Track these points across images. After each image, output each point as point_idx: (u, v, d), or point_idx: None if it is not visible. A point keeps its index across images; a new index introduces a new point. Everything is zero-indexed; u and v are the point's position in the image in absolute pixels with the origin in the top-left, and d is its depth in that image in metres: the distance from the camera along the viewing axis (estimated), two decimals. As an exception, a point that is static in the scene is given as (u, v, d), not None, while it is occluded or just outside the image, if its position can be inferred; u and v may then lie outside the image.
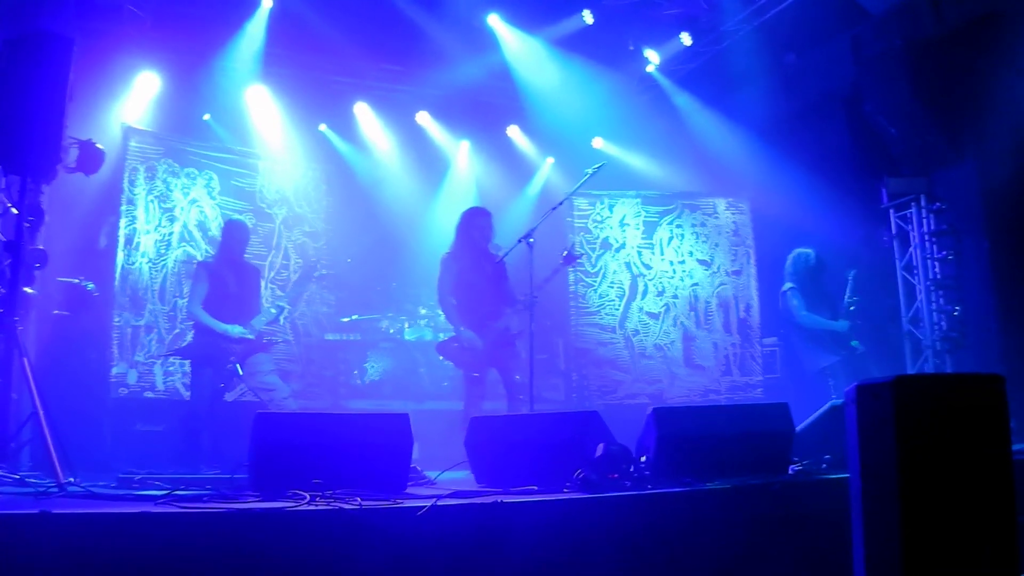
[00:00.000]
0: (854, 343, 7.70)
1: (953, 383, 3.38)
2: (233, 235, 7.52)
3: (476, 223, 7.40)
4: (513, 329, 7.35)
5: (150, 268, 8.82)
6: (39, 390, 5.15)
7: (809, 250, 7.96)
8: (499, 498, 3.98)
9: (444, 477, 5.32)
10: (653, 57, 10.70)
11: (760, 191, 10.48)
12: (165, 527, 3.33)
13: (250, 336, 7.10)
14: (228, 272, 7.31)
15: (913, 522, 3.05)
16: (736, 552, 4.22)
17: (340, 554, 3.51)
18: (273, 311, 7.48)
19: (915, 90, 8.28)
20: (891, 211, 8.60)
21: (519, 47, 10.41)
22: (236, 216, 8.67)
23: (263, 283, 8.55)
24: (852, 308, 7.69)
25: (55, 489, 4.44)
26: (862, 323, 7.76)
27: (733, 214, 10.80)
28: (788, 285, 7.88)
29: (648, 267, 10.68)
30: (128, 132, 8.85)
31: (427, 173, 11.75)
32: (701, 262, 10.70)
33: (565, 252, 7.37)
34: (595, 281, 10.63)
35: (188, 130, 9.75)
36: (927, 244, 8.31)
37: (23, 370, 5.21)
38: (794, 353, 8.23)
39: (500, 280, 7.37)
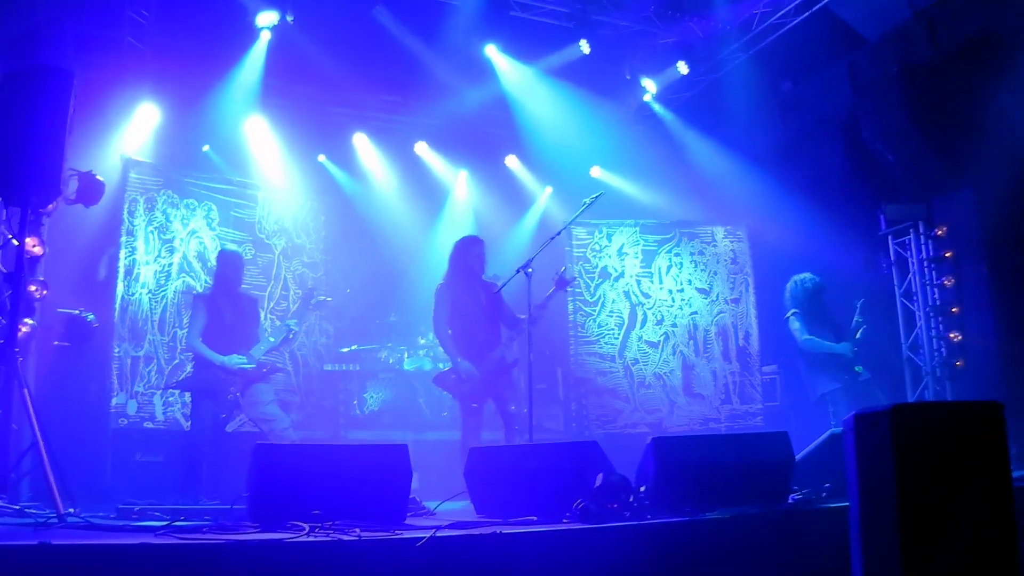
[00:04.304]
0: (858, 368, 7.62)
1: (951, 411, 3.38)
2: (227, 265, 7.53)
3: (469, 252, 7.39)
4: (509, 358, 7.33)
5: (150, 299, 8.82)
6: (39, 421, 5.16)
7: (806, 275, 7.89)
8: (498, 529, 3.97)
9: (443, 508, 5.31)
10: (650, 86, 10.73)
11: (758, 218, 10.50)
12: (165, 559, 3.31)
13: (249, 366, 7.09)
14: (224, 303, 7.30)
15: (912, 550, 3.04)
16: (737, 581, 4.21)
17: (339, 586, 3.50)
18: (272, 339, 7.44)
19: (912, 116, 8.30)
20: (889, 237, 8.61)
21: (516, 77, 10.43)
22: (233, 247, 8.68)
23: (263, 313, 8.55)
24: (859, 334, 7.58)
25: (55, 520, 4.44)
26: (865, 350, 7.69)
27: (731, 242, 10.82)
28: (791, 311, 7.82)
29: (647, 296, 10.69)
30: (128, 163, 8.87)
31: (426, 203, 11.76)
32: (700, 290, 10.71)
33: (557, 275, 7.32)
34: (594, 310, 10.64)
35: (187, 161, 9.77)
36: (926, 270, 8.31)
37: (23, 401, 5.22)
38: (798, 380, 8.17)
39: (497, 308, 7.36)
